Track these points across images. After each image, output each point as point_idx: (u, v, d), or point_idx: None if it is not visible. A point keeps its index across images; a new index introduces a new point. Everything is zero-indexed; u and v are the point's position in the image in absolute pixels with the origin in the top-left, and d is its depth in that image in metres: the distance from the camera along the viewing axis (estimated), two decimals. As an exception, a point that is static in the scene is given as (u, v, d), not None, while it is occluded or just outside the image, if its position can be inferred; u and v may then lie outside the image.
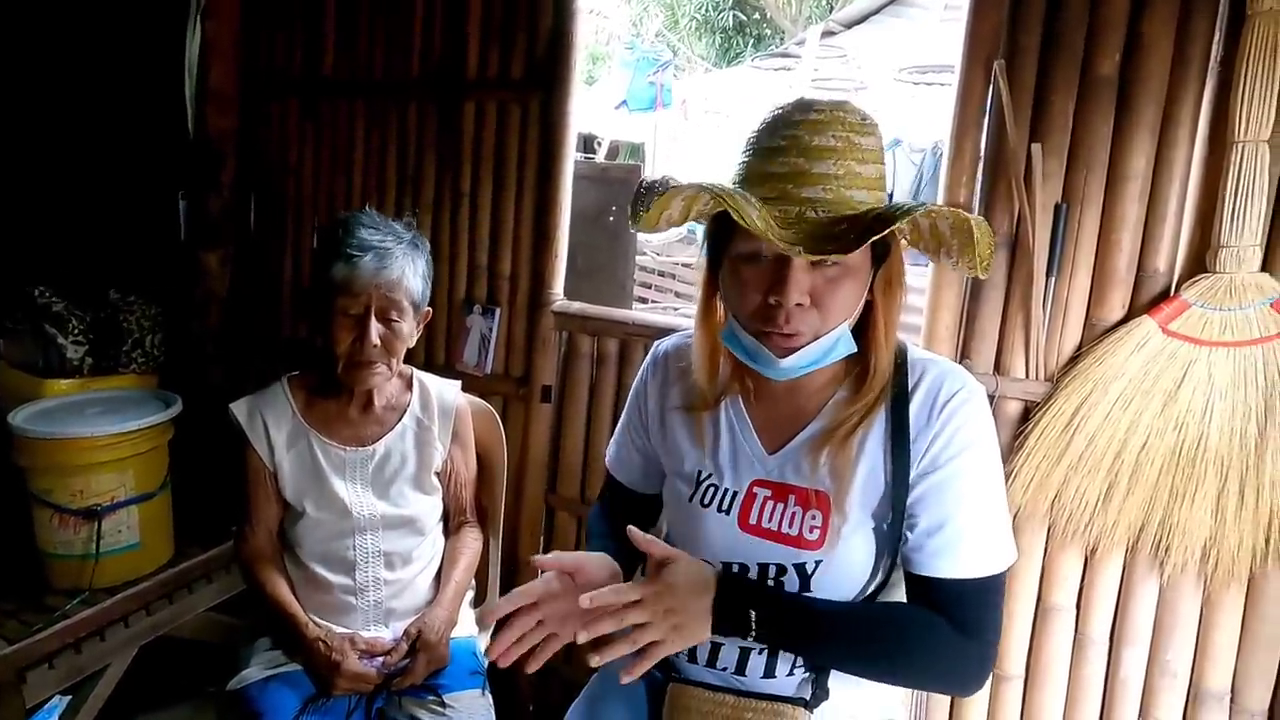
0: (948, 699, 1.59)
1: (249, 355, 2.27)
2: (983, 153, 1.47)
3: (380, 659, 1.33)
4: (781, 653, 0.99)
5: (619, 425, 1.22)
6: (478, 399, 1.65)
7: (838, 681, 1.00)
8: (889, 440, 0.95)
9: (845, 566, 0.95)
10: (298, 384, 1.45)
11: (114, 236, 2.33)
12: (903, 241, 0.96)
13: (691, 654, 1.03)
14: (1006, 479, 1.29)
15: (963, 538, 0.91)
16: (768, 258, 0.88)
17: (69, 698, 1.63)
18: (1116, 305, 1.40)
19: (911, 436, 0.94)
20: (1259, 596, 1.36)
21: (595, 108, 8.18)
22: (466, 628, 1.51)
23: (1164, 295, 1.37)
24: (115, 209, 2.35)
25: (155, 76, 2.21)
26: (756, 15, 12.80)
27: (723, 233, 0.93)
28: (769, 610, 0.90)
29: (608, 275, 3.18)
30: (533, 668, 0.91)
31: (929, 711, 1.59)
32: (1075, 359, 1.42)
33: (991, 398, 1.46)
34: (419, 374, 1.51)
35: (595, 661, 0.86)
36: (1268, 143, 1.25)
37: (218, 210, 2.23)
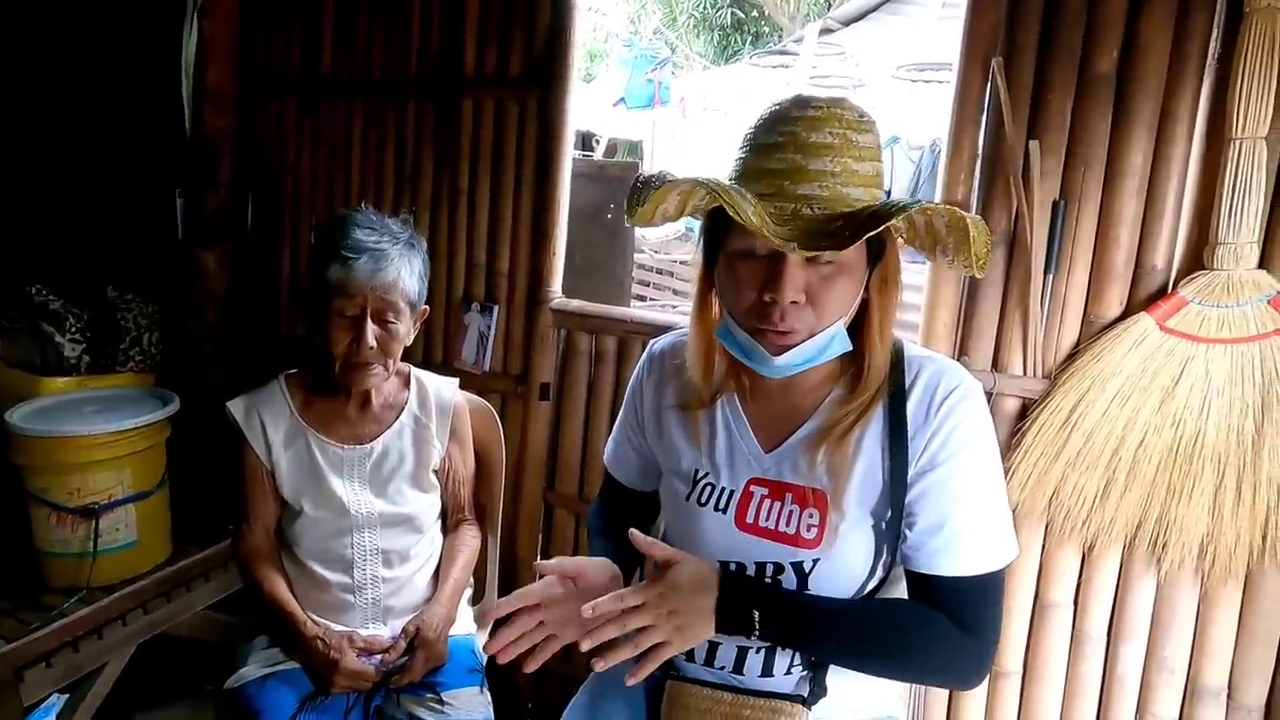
0: (945, 695, 1.59)
1: (246, 354, 2.26)
2: (981, 150, 1.47)
3: (378, 657, 1.33)
4: (779, 651, 0.99)
5: (616, 424, 1.22)
6: (476, 396, 1.65)
7: (836, 678, 1.00)
8: (886, 438, 0.95)
9: (843, 565, 0.95)
10: (295, 382, 1.45)
11: (111, 235, 2.32)
12: (899, 240, 0.96)
13: (689, 653, 1.03)
14: (1005, 476, 1.29)
15: (962, 536, 0.92)
16: (763, 254, 0.88)
17: (66, 696, 1.63)
18: (1114, 302, 1.40)
19: (909, 434, 0.94)
20: (1256, 592, 1.36)
21: (593, 105, 8.18)
22: (465, 625, 1.51)
23: (1162, 292, 1.37)
24: (112, 207, 2.35)
25: (152, 75, 2.21)
26: (755, 12, 12.79)
27: (718, 229, 0.93)
28: (771, 608, 0.90)
29: (606, 273, 3.18)
30: (531, 668, 0.91)
31: (927, 707, 1.60)
32: (1073, 356, 1.42)
33: (989, 395, 1.46)
34: (417, 372, 1.51)
35: (599, 666, 0.86)
36: (1265, 139, 1.25)
37: (215, 209, 2.22)
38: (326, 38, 2.10)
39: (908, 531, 0.94)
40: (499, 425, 1.67)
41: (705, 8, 12.88)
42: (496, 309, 1.95)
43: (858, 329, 0.94)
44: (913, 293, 1.44)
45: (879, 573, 0.96)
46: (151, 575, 1.73)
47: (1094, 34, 1.37)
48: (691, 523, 1.03)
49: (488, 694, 1.42)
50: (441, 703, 1.35)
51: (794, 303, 0.87)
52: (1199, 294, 1.32)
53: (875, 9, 7.81)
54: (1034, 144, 1.40)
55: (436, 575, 1.49)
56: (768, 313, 0.88)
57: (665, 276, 6.33)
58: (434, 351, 2.04)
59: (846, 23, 7.92)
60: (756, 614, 0.89)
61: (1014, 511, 1.45)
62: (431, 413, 1.47)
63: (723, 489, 1.02)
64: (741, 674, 1.01)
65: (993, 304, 1.49)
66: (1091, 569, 1.46)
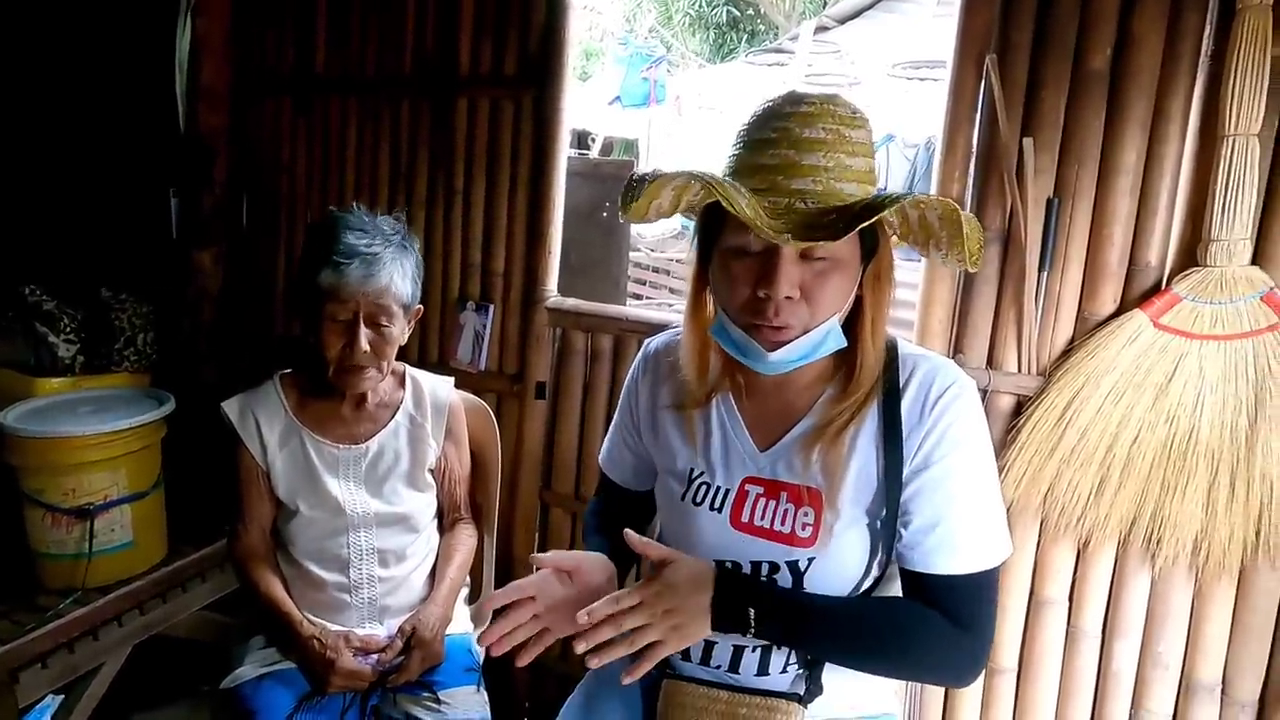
0: (941, 692, 1.60)
1: (241, 353, 2.26)
2: (975, 148, 1.47)
3: (375, 656, 1.33)
4: (775, 649, 0.99)
5: (611, 424, 1.22)
6: (471, 395, 1.65)
7: (832, 676, 1.01)
8: (881, 437, 0.95)
9: (838, 563, 0.95)
10: (290, 382, 1.45)
11: (105, 234, 2.32)
12: (893, 237, 0.96)
13: (685, 652, 1.03)
14: (999, 474, 1.29)
15: (957, 535, 0.92)
16: (757, 250, 0.88)
17: (62, 697, 1.63)
18: (1108, 299, 1.40)
19: (904, 433, 0.94)
20: (1249, 588, 1.37)
21: (589, 104, 8.18)
22: (461, 624, 1.51)
23: (1155, 289, 1.37)
24: (106, 207, 2.34)
25: (146, 73, 2.20)
26: (750, 11, 12.79)
27: (712, 227, 0.93)
28: (767, 606, 0.90)
29: (602, 271, 3.18)
30: (524, 661, 0.91)
31: (923, 705, 1.60)
32: (1067, 353, 1.43)
33: (984, 392, 1.46)
34: (412, 371, 1.51)
35: (594, 663, 0.86)
36: (1257, 136, 1.26)
37: (210, 208, 2.22)
38: (321, 36, 2.10)
39: (903, 530, 0.94)
40: (495, 424, 1.67)
41: (701, 6, 12.87)
42: (492, 308, 1.94)
43: (851, 326, 0.94)
44: (908, 290, 1.44)
45: (874, 571, 0.96)
46: (147, 576, 1.72)
47: (1087, 31, 1.37)
48: (687, 522, 1.03)
49: (484, 693, 1.42)
50: (438, 702, 1.35)
51: (788, 298, 0.87)
52: (1192, 291, 1.32)
53: (870, 7, 7.82)
54: (1028, 141, 1.40)
55: (433, 575, 1.49)
56: (762, 308, 0.88)
57: (661, 275, 6.33)
58: (429, 351, 2.04)
59: (842, 21, 7.93)
60: (752, 612, 0.89)
61: (1009, 508, 1.45)
62: (427, 412, 1.47)
63: (718, 488, 1.02)
64: (737, 672, 1.01)
65: (987, 301, 1.49)
66: (1086, 566, 1.47)
